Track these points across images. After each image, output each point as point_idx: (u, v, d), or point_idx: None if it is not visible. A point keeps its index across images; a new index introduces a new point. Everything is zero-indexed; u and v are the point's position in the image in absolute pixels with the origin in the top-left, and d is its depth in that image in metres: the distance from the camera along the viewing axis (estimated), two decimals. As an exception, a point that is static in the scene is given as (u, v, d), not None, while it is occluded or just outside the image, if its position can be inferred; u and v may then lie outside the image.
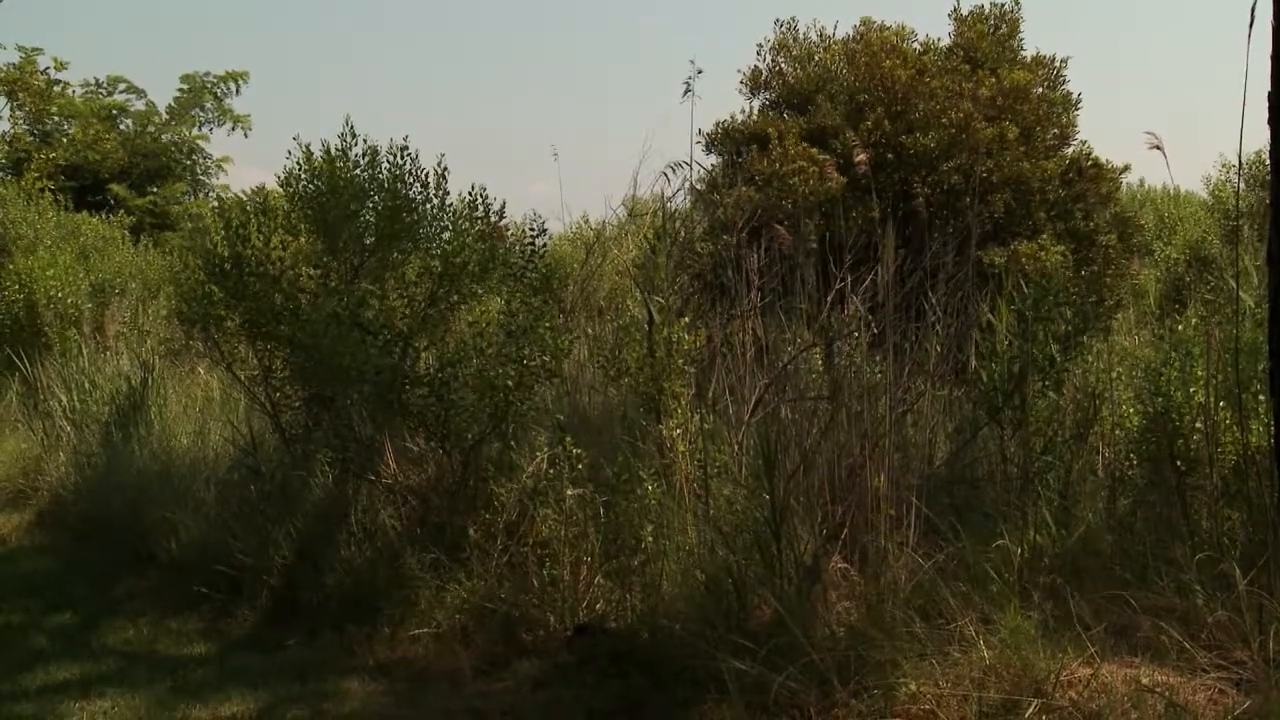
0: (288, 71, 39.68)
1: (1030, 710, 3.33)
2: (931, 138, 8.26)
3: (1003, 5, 9.33)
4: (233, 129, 18.97)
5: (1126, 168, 9.31)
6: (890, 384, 4.78)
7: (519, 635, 4.67)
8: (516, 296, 5.63)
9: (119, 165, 17.41)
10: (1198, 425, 4.43)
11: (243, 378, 6.33)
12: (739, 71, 9.59)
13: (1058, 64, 9.20)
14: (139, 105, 18.89)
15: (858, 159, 6.63)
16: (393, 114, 43.03)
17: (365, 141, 5.95)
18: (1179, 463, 4.47)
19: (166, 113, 18.82)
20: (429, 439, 5.46)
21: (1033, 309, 4.81)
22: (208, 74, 19.02)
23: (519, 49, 46.87)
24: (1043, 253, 7.94)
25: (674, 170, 6.13)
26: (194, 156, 18.91)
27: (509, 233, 6.16)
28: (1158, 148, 4.50)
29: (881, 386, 4.82)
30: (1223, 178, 12.92)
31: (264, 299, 5.65)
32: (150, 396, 7.82)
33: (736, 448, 5.13)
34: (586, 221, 11.96)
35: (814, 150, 8.30)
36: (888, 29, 9.33)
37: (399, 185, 5.93)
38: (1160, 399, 4.59)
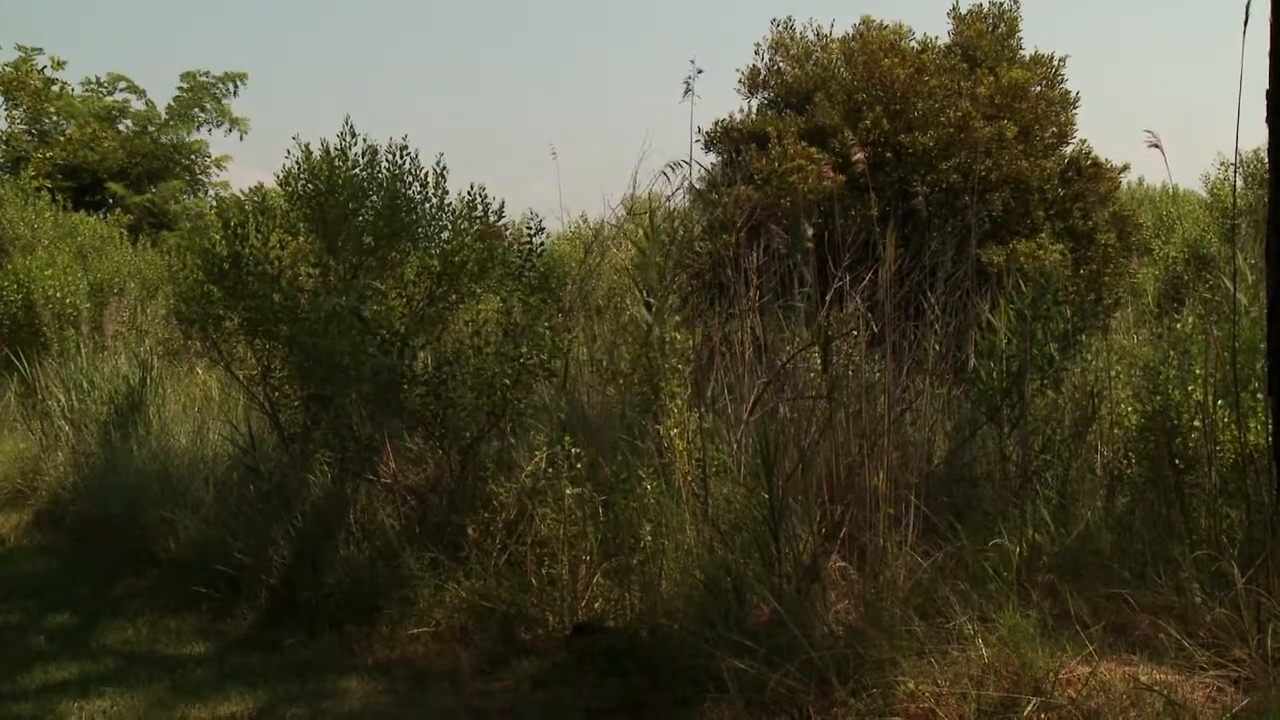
0: (287, 71, 39.70)
1: (1029, 708, 3.34)
2: (930, 136, 8.27)
3: (1001, 4, 9.33)
4: (229, 130, 18.97)
5: (1125, 167, 9.33)
6: (889, 383, 4.78)
7: (518, 634, 4.68)
8: (515, 295, 5.63)
9: (118, 165, 17.40)
10: (1196, 424, 4.43)
11: (241, 377, 6.33)
12: (737, 71, 9.61)
13: (1056, 63, 9.20)
14: (139, 105, 18.89)
15: (855, 158, 6.63)
16: (393, 114, 43.07)
17: (364, 141, 5.96)
18: (1177, 461, 4.48)
19: (166, 113, 18.81)
20: (428, 438, 5.46)
21: (1031, 308, 4.81)
22: (206, 73, 19.02)
23: (519, 49, 46.88)
24: (1041, 251, 7.95)
25: (673, 169, 6.12)
26: (192, 156, 18.90)
27: (507, 232, 6.16)
28: (1156, 146, 4.49)
29: (880, 385, 4.83)
30: (1221, 176, 12.95)
31: (263, 298, 5.65)
32: (149, 396, 7.82)
33: (735, 447, 5.13)
34: (585, 221, 11.97)
35: (813, 149, 8.31)
36: (886, 28, 9.33)
37: (398, 185, 5.93)
38: (1158, 398, 4.59)
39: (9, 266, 11.02)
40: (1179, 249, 11.76)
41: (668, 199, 6.58)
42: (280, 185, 6.06)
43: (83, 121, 17.25)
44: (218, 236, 5.94)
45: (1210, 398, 4.35)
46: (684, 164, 6.17)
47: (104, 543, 6.47)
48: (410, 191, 5.94)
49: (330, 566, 5.20)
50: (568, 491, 4.90)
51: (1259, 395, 4.17)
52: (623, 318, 6.93)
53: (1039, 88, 9.01)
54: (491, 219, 5.92)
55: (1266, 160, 3.62)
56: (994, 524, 4.33)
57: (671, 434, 5.10)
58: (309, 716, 4.21)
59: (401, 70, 45.64)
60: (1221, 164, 13.12)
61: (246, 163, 26.22)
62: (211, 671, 4.68)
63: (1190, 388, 4.50)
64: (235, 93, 19.09)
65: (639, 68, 47.27)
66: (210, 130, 19.01)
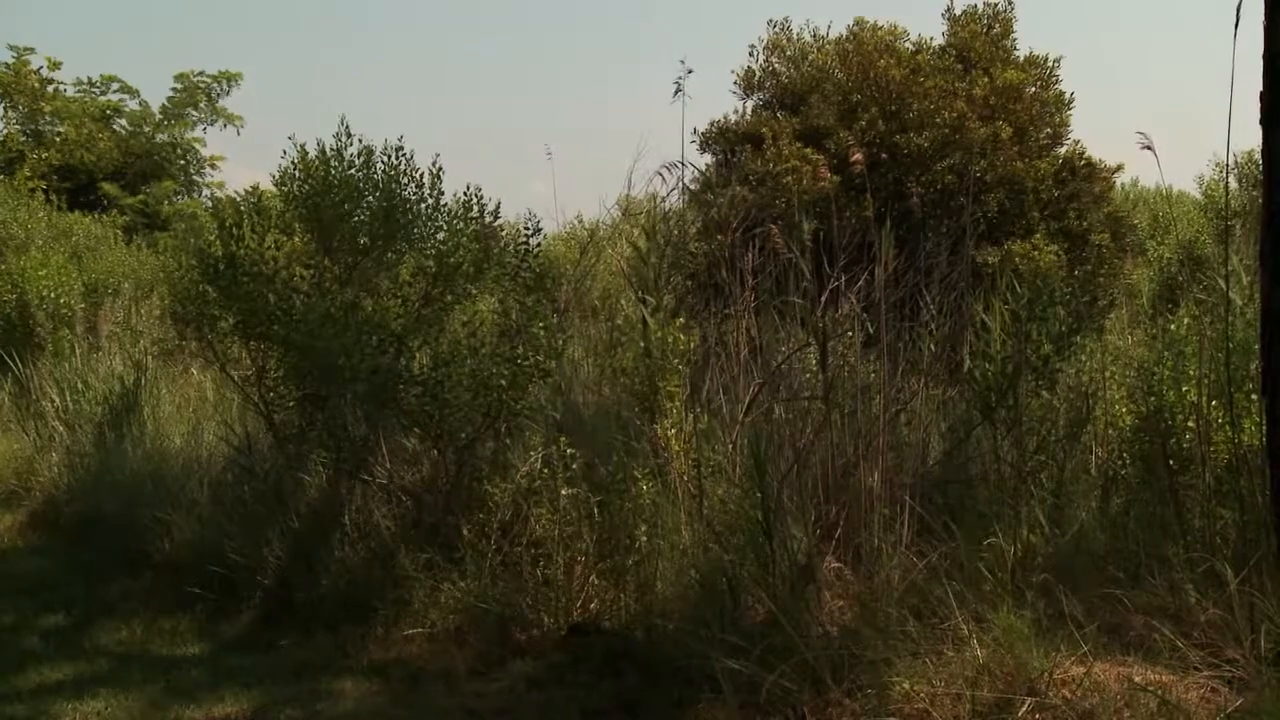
0: (283, 70, 39.64)
1: (1023, 709, 3.34)
2: (925, 137, 8.28)
3: (996, 5, 9.36)
4: (224, 126, 18.96)
5: (1120, 167, 9.35)
6: (884, 383, 4.79)
7: (513, 635, 4.67)
8: (510, 296, 5.63)
9: (113, 165, 17.38)
10: (1190, 424, 4.44)
11: (236, 378, 6.32)
12: (732, 72, 9.61)
13: (1051, 64, 9.23)
14: (133, 105, 18.87)
15: (853, 158, 6.63)
16: (390, 114, 43.03)
17: (360, 141, 5.95)
18: (1171, 462, 4.49)
19: (160, 112, 18.79)
20: (423, 438, 5.46)
21: (1026, 308, 4.81)
22: (201, 73, 19.00)
23: (518, 49, 46.85)
24: (1036, 252, 7.97)
25: (669, 170, 6.12)
26: (187, 156, 18.89)
27: (503, 232, 6.16)
28: (1148, 148, 4.50)
29: (875, 386, 4.83)
30: (1215, 177, 12.95)
31: (258, 299, 5.63)
32: (143, 397, 7.81)
33: (731, 447, 5.13)
34: (581, 221, 11.98)
35: (808, 150, 8.32)
36: (881, 29, 9.35)
37: (394, 185, 5.92)
38: (1153, 398, 4.61)
39: (3, 267, 11.01)
40: (1173, 250, 11.77)
41: (663, 200, 6.59)
42: (275, 185, 6.05)
43: (78, 122, 17.23)
44: (213, 237, 5.93)
45: (1205, 398, 4.36)
46: (679, 165, 6.17)
47: (98, 543, 6.46)
48: (406, 192, 5.93)
49: (325, 567, 5.20)
50: (563, 492, 4.90)
51: (1253, 396, 4.18)
52: (618, 318, 6.92)
53: (1034, 89, 9.03)
54: (487, 219, 5.91)
55: (1261, 162, 3.63)
56: (989, 524, 4.34)
57: (668, 434, 5.10)
58: (304, 717, 4.20)
59: (401, 70, 45.62)
60: (1216, 165, 13.14)
61: (242, 163, 26.21)
62: (206, 672, 4.68)
63: (1185, 388, 4.52)
64: (229, 92, 19.10)
65: (639, 68, 47.27)
66: (205, 128, 19.03)
